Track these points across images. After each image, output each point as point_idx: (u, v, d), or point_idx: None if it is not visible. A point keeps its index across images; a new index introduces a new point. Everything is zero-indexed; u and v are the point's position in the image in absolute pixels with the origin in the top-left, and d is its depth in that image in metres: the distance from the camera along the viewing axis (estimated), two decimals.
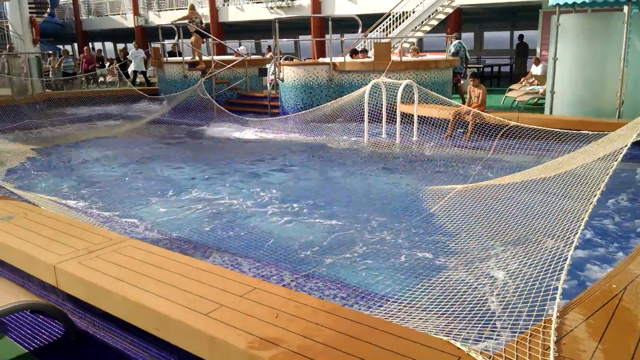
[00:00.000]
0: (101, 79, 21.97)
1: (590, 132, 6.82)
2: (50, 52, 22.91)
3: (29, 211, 4.77)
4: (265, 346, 2.54)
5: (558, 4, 10.06)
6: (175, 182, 8.50)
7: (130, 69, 20.37)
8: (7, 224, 4.40)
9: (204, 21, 17.20)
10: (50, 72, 20.52)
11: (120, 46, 37.94)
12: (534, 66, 15.36)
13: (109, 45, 41.41)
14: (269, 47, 23.04)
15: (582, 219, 3.33)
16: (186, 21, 16.25)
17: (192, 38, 16.31)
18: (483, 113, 9.73)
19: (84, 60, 21.50)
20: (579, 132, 7.20)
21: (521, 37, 19.94)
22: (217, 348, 2.67)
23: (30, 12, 19.37)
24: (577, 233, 3.25)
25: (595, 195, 3.37)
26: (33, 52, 18.27)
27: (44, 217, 4.59)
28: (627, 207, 6.29)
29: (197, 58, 16.71)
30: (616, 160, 3.55)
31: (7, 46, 18.72)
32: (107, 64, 22.32)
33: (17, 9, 18.43)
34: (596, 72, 9.97)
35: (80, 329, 3.59)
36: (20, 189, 7.15)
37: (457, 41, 15.51)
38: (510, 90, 14.85)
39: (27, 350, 3.43)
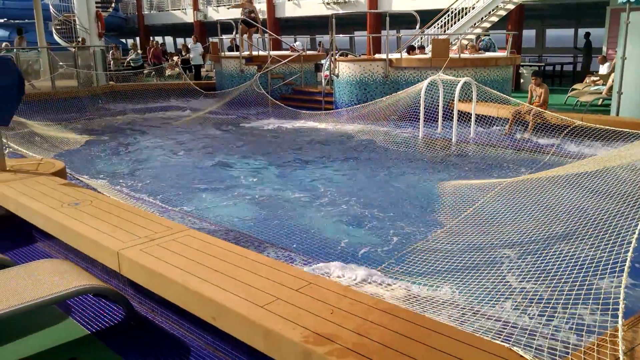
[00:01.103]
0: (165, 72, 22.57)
1: None
2: (111, 45, 23.76)
3: (94, 198, 4.95)
4: (321, 341, 2.54)
5: (628, 0, 9.59)
6: (230, 174, 8.66)
7: (192, 62, 20.92)
8: (73, 209, 4.59)
9: (256, 14, 17.42)
10: (112, 64, 21.27)
11: (179, 41, 38.98)
12: (600, 65, 14.74)
13: (168, 39, 42.56)
14: (320, 42, 23.09)
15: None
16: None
17: (240, 27, 16.69)
18: (545, 111, 9.39)
19: (151, 54, 22.13)
20: None
21: (587, 35, 19.24)
22: (272, 340, 2.70)
23: (96, 7, 20.13)
24: (634, 234, 3.09)
25: None
26: (99, 45, 19.00)
27: (107, 205, 4.75)
28: None
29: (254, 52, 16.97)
30: None
31: (81, 39, 19.52)
32: (173, 58, 22.83)
33: (84, 3, 19.20)
34: None
35: (140, 314, 3.70)
36: (85, 176, 7.45)
37: (487, 37, 15.46)
38: (573, 90, 14.31)
39: (89, 332, 3.56)
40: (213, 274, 3.27)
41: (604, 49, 16.99)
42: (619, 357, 2.32)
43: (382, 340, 2.55)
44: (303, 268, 4.28)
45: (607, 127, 7.90)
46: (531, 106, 9.87)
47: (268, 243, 5.03)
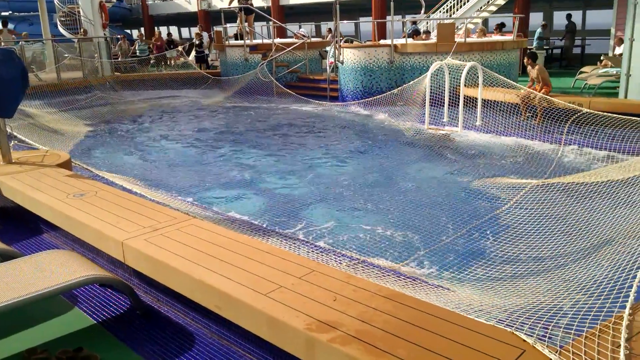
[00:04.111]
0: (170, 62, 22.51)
1: None
2: (120, 36, 23.76)
3: (99, 189, 4.97)
4: (324, 329, 2.54)
5: None
6: (234, 162, 8.66)
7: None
8: (78, 200, 4.61)
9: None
10: (120, 56, 21.31)
11: (184, 30, 38.83)
12: (616, 47, 14.57)
13: (173, 29, 42.47)
14: (329, 29, 22.94)
15: None
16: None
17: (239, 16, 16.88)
18: (550, 98, 9.23)
19: (155, 45, 22.12)
20: None
21: (569, 16, 19.28)
22: (275, 328, 2.70)
23: None
24: None
25: None
26: (103, 36, 19.02)
27: (112, 195, 4.77)
28: None
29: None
30: None
31: (81, 30, 19.54)
32: (180, 47, 22.79)
33: None
34: None
35: (146, 304, 3.73)
36: (90, 165, 7.47)
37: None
38: (581, 73, 14.15)
39: (95, 322, 3.59)
40: (217, 263, 3.28)
41: (612, 30, 16.77)
42: (620, 344, 2.30)
43: (385, 327, 2.54)
44: (307, 255, 4.29)
45: (613, 115, 7.70)
46: (537, 92, 9.73)
47: (273, 231, 5.03)
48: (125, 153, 9.66)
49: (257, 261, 3.29)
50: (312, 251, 4.41)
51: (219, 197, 6.69)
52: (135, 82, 18.18)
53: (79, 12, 20.01)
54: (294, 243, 4.57)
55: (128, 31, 37.93)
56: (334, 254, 4.36)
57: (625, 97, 10.00)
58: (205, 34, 21.18)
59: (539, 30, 18.25)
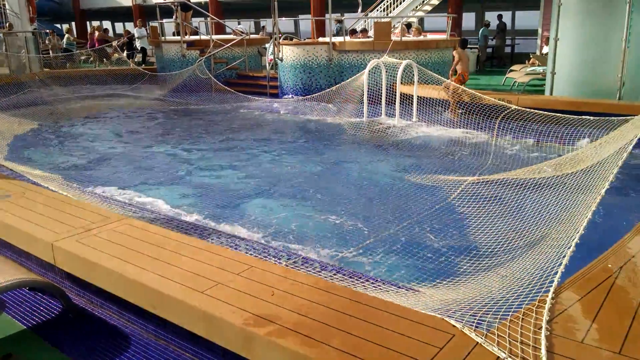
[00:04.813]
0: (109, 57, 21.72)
1: (592, 118, 6.82)
2: (48, 31, 22.71)
3: (27, 190, 4.77)
4: (261, 323, 2.56)
5: None
6: (172, 160, 8.50)
7: (140, 46, 20.32)
8: (5, 202, 4.41)
9: None
10: (51, 52, 20.39)
11: (118, 25, 37.61)
12: (543, 46, 15.30)
13: (106, 24, 41.05)
14: (264, 27, 22.85)
15: (590, 209, 3.34)
16: None
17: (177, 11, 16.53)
18: (484, 96, 9.54)
19: (97, 40, 21.27)
20: (580, 117, 7.14)
21: (500, 16, 20.29)
22: (213, 325, 2.70)
23: None
24: (583, 223, 3.25)
25: (603, 187, 3.40)
26: (30, 30, 18.13)
27: (41, 196, 4.59)
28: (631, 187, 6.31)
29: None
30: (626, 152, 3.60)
31: (6, 24, 18.56)
32: (112, 44, 22.05)
33: None
34: (597, 52, 9.83)
35: (79, 307, 3.61)
36: (19, 166, 7.14)
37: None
38: (511, 71, 14.78)
39: (25, 327, 3.45)
40: (152, 262, 3.23)
41: (539, 30, 17.60)
42: (542, 325, 2.44)
43: (322, 319, 2.59)
44: (246, 252, 4.27)
45: (540, 112, 8.07)
46: (459, 86, 10.06)
47: (212, 229, 4.98)
48: (56, 153, 9.28)
49: (194, 259, 3.26)
50: (252, 248, 4.40)
51: (154, 196, 6.53)
52: (68, 78, 17.41)
53: (4, 4, 18.98)
54: (233, 240, 4.54)
55: (58, 25, 36.31)
56: (273, 250, 4.37)
57: (551, 94, 10.51)
58: (143, 30, 20.55)
59: (483, 28, 18.97)
